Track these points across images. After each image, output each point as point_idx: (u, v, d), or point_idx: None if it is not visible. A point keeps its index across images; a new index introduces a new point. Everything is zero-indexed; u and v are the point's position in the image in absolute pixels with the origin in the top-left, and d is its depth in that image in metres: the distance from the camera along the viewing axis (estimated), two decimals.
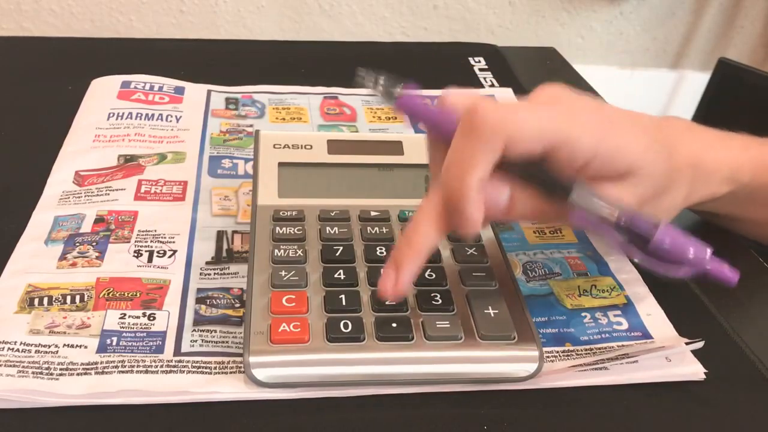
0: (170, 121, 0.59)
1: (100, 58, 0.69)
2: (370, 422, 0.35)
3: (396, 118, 0.62)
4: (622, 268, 0.46)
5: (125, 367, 0.36)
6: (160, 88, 0.63)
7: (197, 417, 0.34)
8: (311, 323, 0.37)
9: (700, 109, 0.95)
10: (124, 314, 0.39)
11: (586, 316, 0.42)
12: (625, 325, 0.41)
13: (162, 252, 0.44)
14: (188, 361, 0.37)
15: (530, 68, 0.76)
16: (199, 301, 0.41)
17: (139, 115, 0.59)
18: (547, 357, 0.38)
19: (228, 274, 0.43)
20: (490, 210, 0.36)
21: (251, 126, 0.59)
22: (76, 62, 0.69)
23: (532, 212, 0.37)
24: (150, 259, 0.43)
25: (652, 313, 0.42)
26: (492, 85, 0.70)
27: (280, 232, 0.42)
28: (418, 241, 0.36)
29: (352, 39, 1.03)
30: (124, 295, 0.41)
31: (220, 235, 0.46)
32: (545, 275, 0.45)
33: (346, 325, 0.37)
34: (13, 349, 0.36)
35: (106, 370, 0.36)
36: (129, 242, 0.45)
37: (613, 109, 0.40)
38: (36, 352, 0.36)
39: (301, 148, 0.48)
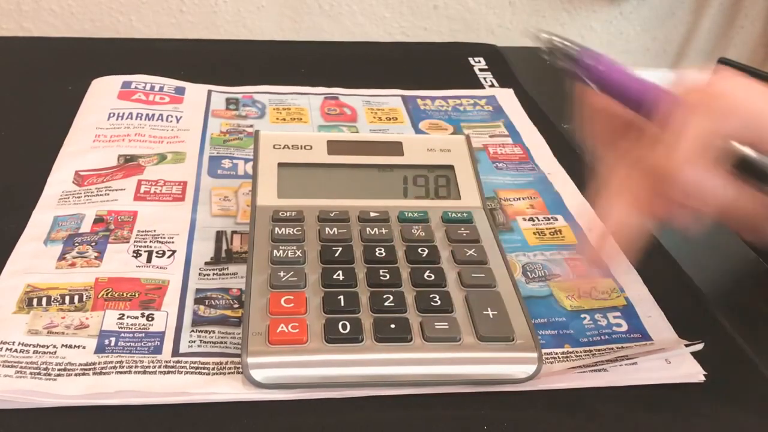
0: (170, 121, 0.59)
1: (100, 58, 0.69)
2: (369, 423, 0.35)
3: (396, 118, 0.62)
4: (623, 270, 0.46)
5: (123, 367, 0.36)
6: (161, 89, 0.63)
7: (195, 418, 0.34)
8: (310, 324, 0.37)
9: None
10: (123, 314, 0.39)
11: (585, 318, 0.42)
12: (624, 327, 0.41)
13: (161, 252, 0.44)
14: (186, 362, 0.37)
15: (530, 68, 0.76)
16: (198, 301, 0.41)
17: (140, 115, 0.59)
18: (547, 358, 0.38)
19: (227, 274, 0.43)
20: (709, 201, 0.33)
21: (251, 126, 0.59)
22: (76, 62, 0.69)
23: (753, 209, 0.34)
24: (149, 260, 0.43)
25: (651, 314, 0.42)
26: (492, 85, 0.70)
27: (280, 232, 0.42)
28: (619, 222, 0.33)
29: (352, 39, 1.03)
30: (122, 295, 0.41)
31: (220, 235, 0.46)
32: (545, 276, 0.45)
33: (344, 326, 0.36)
34: (11, 349, 0.36)
35: (104, 370, 0.36)
36: (128, 242, 0.44)
37: None
38: (34, 352, 0.36)
39: (301, 148, 0.48)
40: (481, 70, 0.74)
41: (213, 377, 0.36)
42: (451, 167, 0.48)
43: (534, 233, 0.49)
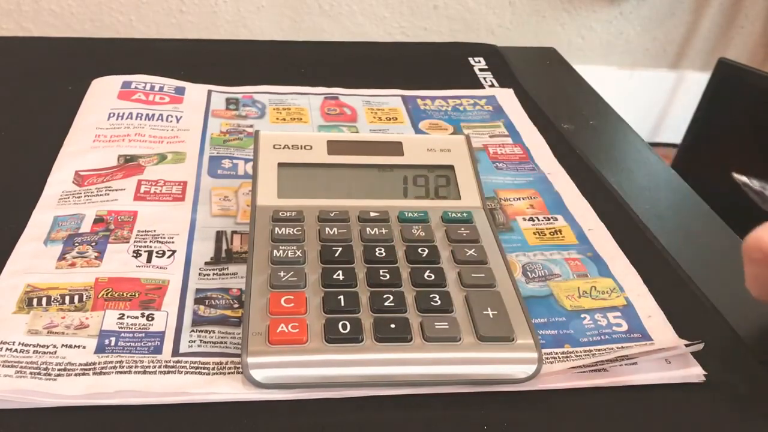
0: (170, 121, 0.59)
1: (100, 58, 0.69)
2: (369, 424, 0.35)
3: (396, 118, 0.62)
4: (623, 270, 0.46)
5: (123, 367, 0.36)
6: (161, 89, 0.63)
7: (195, 418, 0.34)
8: (310, 324, 0.37)
9: (700, 109, 0.95)
10: (123, 314, 0.39)
11: (585, 318, 0.42)
12: (624, 327, 0.41)
13: (161, 252, 0.44)
14: (186, 362, 0.37)
15: (530, 68, 0.76)
16: (198, 301, 0.41)
17: (140, 115, 0.59)
18: (547, 358, 0.38)
19: (227, 274, 0.43)
20: None
21: (251, 126, 0.59)
22: (76, 62, 0.69)
23: None
24: (149, 260, 0.43)
25: (652, 314, 0.42)
26: (492, 85, 0.70)
27: (280, 232, 0.42)
28: None
29: (352, 39, 1.03)
30: (122, 295, 0.41)
31: (220, 235, 0.46)
32: (545, 276, 0.45)
33: (344, 326, 0.36)
34: (11, 349, 0.36)
35: (104, 370, 0.36)
36: (128, 242, 0.44)
37: None
38: (34, 352, 0.36)
39: (301, 148, 0.48)
40: (481, 70, 0.74)
41: (213, 377, 0.36)
42: (451, 167, 0.48)
43: (534, 233, 0.49)
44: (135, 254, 0.44)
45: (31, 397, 0.34)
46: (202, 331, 0.39)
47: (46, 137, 0.55)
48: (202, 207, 0.49)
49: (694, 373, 0.38)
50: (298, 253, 0.41)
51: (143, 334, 0.38)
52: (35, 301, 0.40)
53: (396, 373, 0.36)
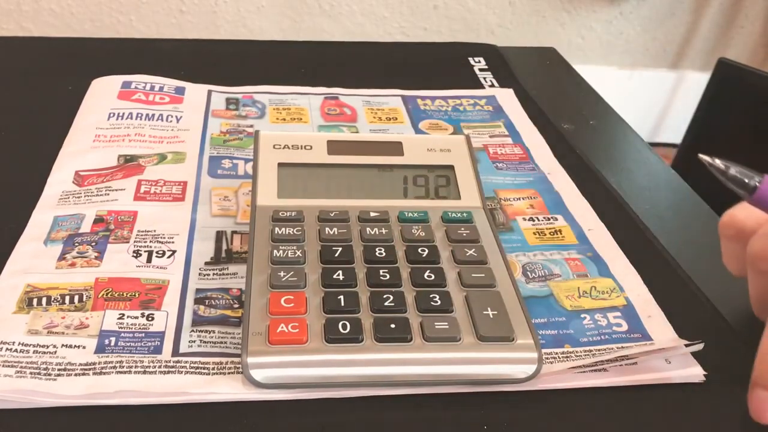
0: (170, 121, 0.59)
1: (100, 58, 0.69)
2: (369, 424, 0.35)
3: (396, 118, 0.62)
4: (623, 270, 0.46)
5: (123, 367, 0.36)
6: (161, 89, 0.63)
7: (195, 418, 0.34)
8: (310, 324, 0.37)
9: (700, 110, 0.95)
10: (123, 314, 0.39)
11: (585, 318, 0.42)
12: (624, 327, 0.41)
13: (161, 252, 0.44)
14: (186, 362, 0.37)
15: (530, 68, 0.76)
16: (198, 301, 0.41)
17: (140, 115, 0.59)
18: (547, 358, 0.38)
19: (227, 274, 0.43)
20: None
21: (251, 126, 0.59)
22: (76, 62, 0.69)
23: None
24: (149, 260, 0.43)
25: (652, 314, 0.42)
26: (492, 86, 0.70)
27: (280, 232, 0.42)
28: None
29: (352, 39, 1.03)
30: (122, 295, 0.41)
31: (220, 235, 0.46)
32: (545, 276, 0.45)
33: (344, 326, 0.36)
34: (11, 349, 0.36)
35: (104, 370, 0.36)
36: (128, 242, 0.44)
37: None
38: (34, 352, 0.36)
39: (301, 148, 0.48)
40: (481, 70, 0.74)
41: (213, 377, 0.36)
42: (451, 167, 0.48)
43: (534, 233, 0.49)
44: (135, 254, 0.44)
45: (31, 397, 0.34)
46: (202, 331, 0.39)
47: (46, 137, 0.55)
48: (202, 207, 0.49)
49: (694, 373, 0.38)
50: (298, 253, 0.41)
51: (143, 334, 0.38)
52: (35, 301, 0.40)
53: (396, 373, 0.36)
